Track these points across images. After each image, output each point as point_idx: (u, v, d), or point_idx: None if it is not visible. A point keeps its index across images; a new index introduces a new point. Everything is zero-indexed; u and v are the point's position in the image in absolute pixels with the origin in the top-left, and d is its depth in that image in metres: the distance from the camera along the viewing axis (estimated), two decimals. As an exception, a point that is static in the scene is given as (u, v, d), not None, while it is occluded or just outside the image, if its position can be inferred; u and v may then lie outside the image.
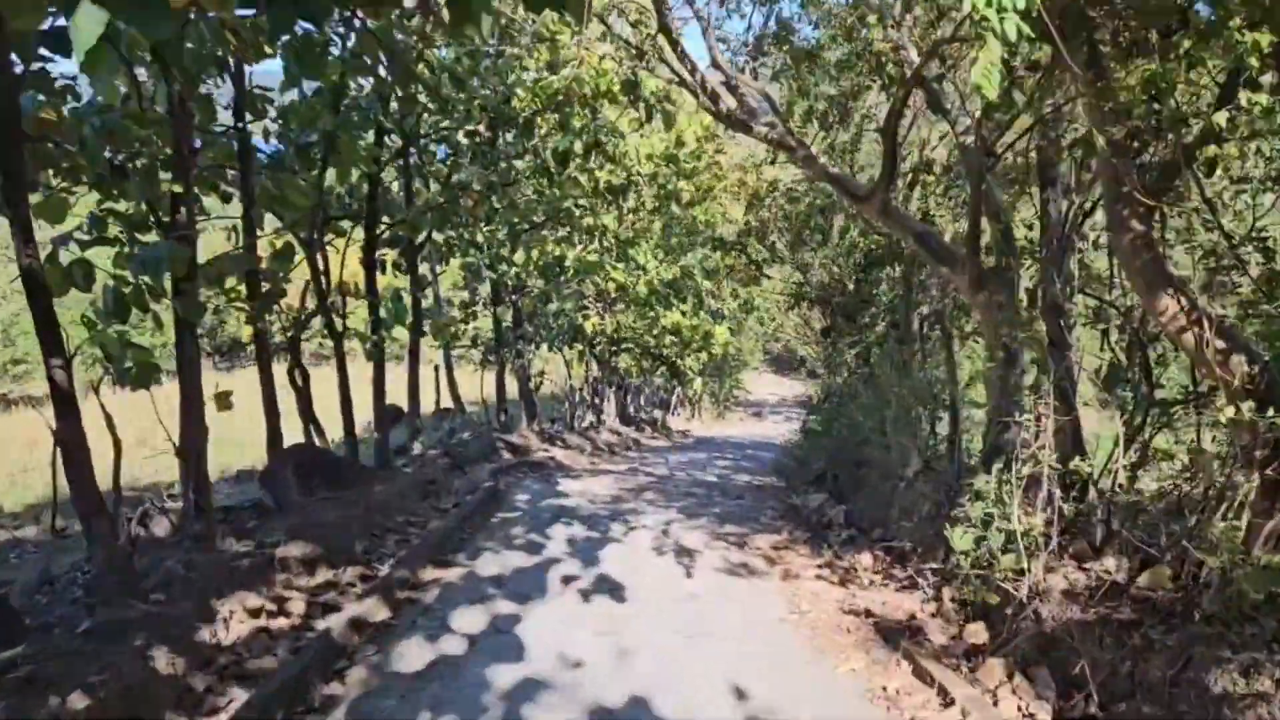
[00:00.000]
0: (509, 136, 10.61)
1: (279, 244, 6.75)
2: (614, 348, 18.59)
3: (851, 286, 10.08)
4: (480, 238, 11.21)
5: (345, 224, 8.46)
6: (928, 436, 7.45)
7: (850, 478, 8.94)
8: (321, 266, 7.58)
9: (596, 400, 17.70)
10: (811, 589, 5.57)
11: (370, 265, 8.78)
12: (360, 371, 9.48)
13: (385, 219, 9.14)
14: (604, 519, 7.65)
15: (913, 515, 6.30)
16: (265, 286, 6.40)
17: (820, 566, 6.16)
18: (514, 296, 13.69)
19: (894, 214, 7.11)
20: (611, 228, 14.00)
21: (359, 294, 8.28)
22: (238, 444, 11.63)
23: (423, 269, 11.37)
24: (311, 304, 7.60)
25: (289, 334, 7.45)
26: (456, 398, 14.75)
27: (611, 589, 5.45)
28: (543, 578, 5.70)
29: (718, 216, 16.87)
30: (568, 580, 5.64)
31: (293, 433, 7.29)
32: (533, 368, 14.22)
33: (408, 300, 9.34)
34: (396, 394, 10.58)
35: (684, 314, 15.93)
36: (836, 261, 10.23)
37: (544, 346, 16.21)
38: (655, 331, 16.23)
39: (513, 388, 14.59)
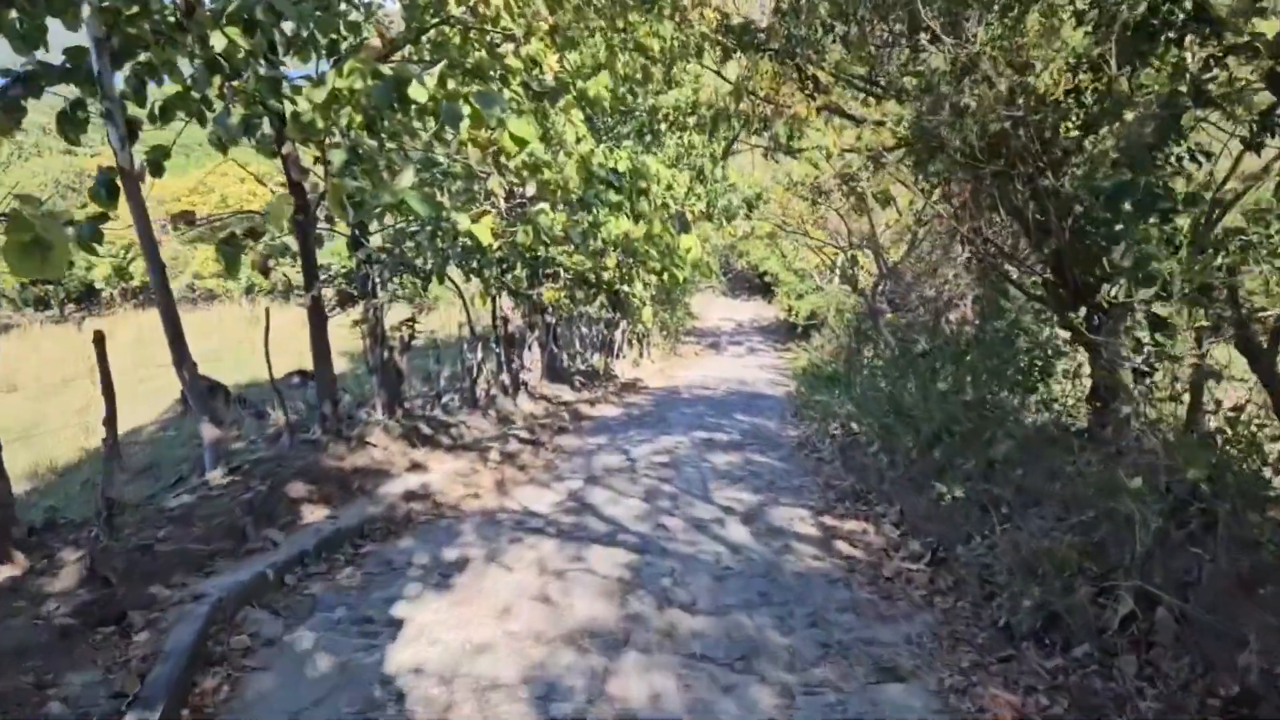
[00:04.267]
0: None
1: None
2: (533, 272, 12.84)
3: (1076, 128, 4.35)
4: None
5: None
6: None
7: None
8: None
9: (510, 353, 12.05)
10: None
11: None
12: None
13: None
14: None
15: None
16: None
17: None
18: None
19: None
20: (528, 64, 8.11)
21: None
22: None
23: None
24: None
25: None
26: (323, 354, 8.91)
27: None
28: None
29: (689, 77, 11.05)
30: None
31: None
32: (388, 314, 8.46)
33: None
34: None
35: (641, 219, 10.24)
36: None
37: (408, 275, 10.47)
38: (593, 247, 10.56)
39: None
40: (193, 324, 10.25)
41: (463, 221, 8.15)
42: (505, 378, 11.94)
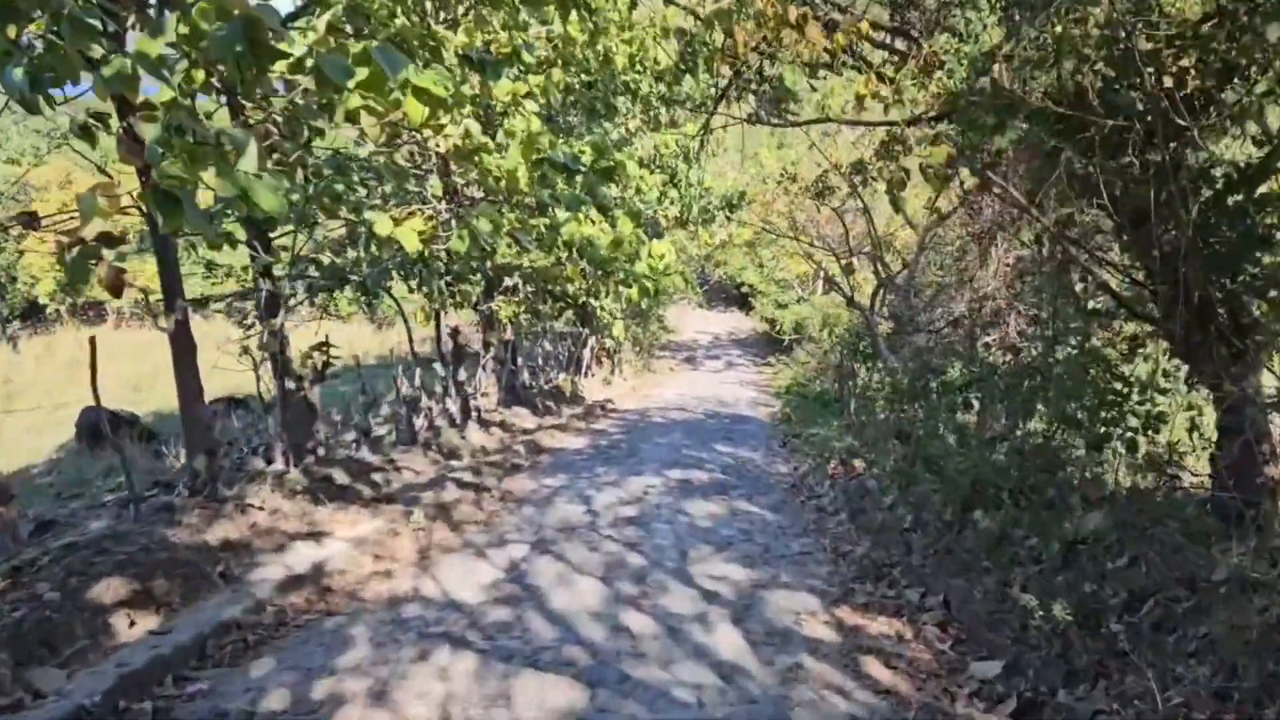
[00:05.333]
0: None
1: None
2: (488, 284, 11.39)
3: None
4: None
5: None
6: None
7: None
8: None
9: (460, 377, 10.54)
10: None
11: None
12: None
13: None
14: None
15: None
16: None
17: None
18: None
19: None
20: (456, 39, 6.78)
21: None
22: None
23: None
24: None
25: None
26: (192, 392, 7.33)
27: None
28: None
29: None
30: None
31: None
32: (291, 335, 6.96)
33: None
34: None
35: (607, 220, 8.80)
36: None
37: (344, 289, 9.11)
38: (554, 255, 9.12)
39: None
40: (126, 343, 8.73)
41: (381, 224, 6.72)
42: (453, 405, 10.43)
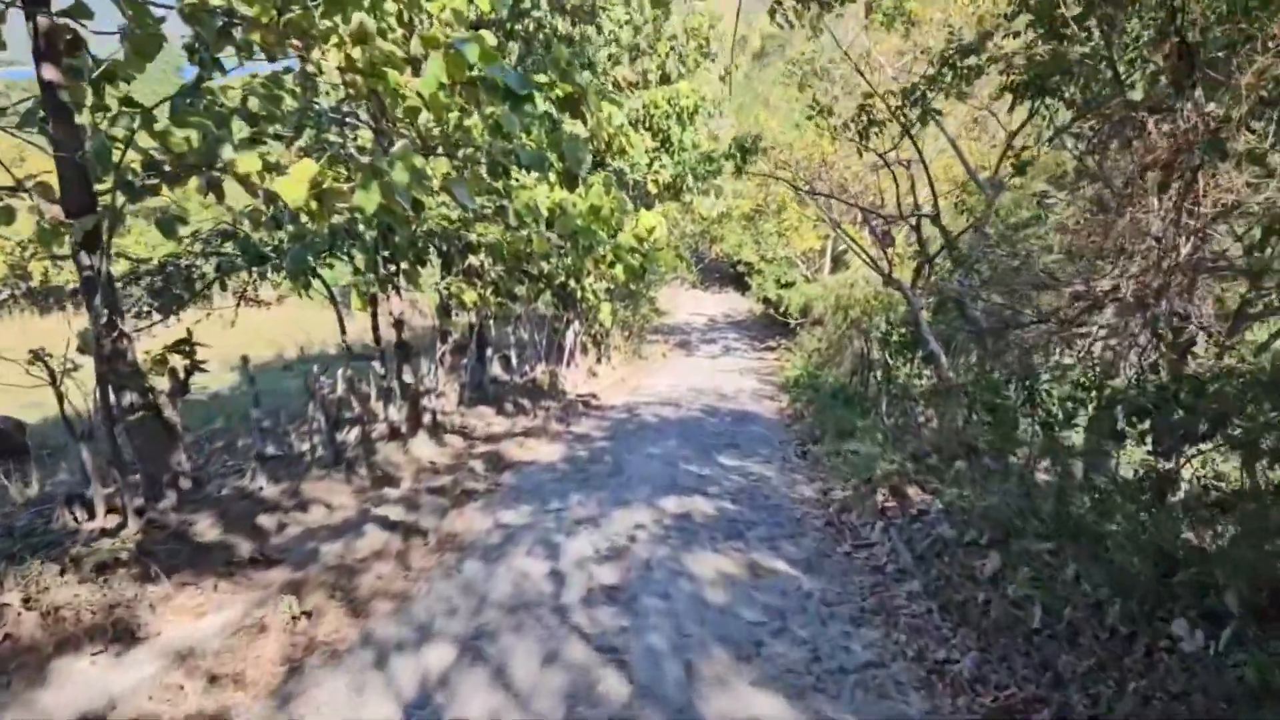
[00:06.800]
0: None
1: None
2: (446, 260, 9.46)
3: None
4: None
5: None
6: None
7: None
8: None
9: (406, 374, 8.59)
10: None
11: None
12: None
13: None
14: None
15: None
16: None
17: None
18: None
19: None
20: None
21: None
22: None
23: None
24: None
25: None
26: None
27: None
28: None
29: None
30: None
31: None
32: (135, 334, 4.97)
33: None
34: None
35: (573, 179, 6.80)
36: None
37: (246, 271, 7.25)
38: (507, 221, 7.22)
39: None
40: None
41: (246, 162, 4.79)
42: (395, 411, 8.48)
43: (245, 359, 6.33)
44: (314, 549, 5.15)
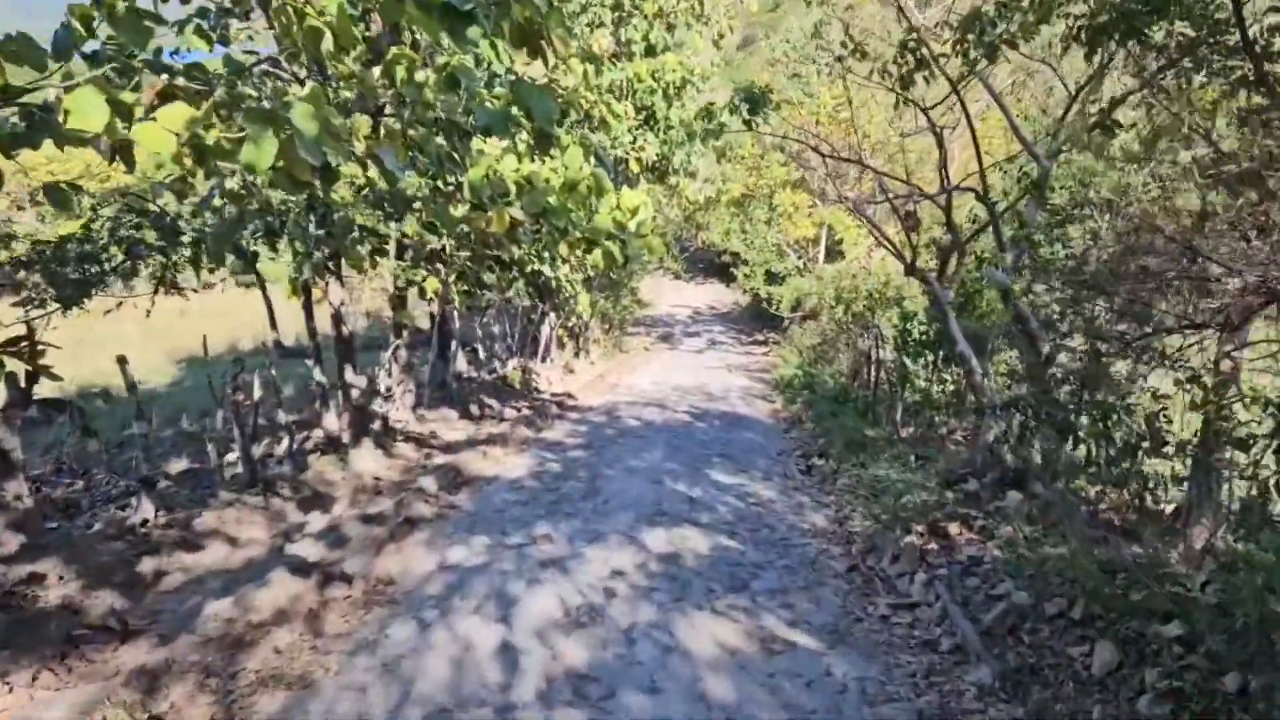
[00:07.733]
0: None
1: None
2: (399, 245, 8.23)
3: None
4: None
5: None
6: None
7: None
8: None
9: (348, 376, 7.41)
10: None
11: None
12: None
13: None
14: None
15: None
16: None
17: None
18: None
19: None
20: None
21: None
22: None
23: None
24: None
25: None
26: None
27: None
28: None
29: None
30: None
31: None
32: None
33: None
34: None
35: (544, 144, 5.61)
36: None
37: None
38: (453, 195, 5.95)
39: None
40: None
41: (80, 100, 3.40)
42: (335, 420, 7.29)
43: (122, 359, 5.10)
44: (196, 606, 3.97)
